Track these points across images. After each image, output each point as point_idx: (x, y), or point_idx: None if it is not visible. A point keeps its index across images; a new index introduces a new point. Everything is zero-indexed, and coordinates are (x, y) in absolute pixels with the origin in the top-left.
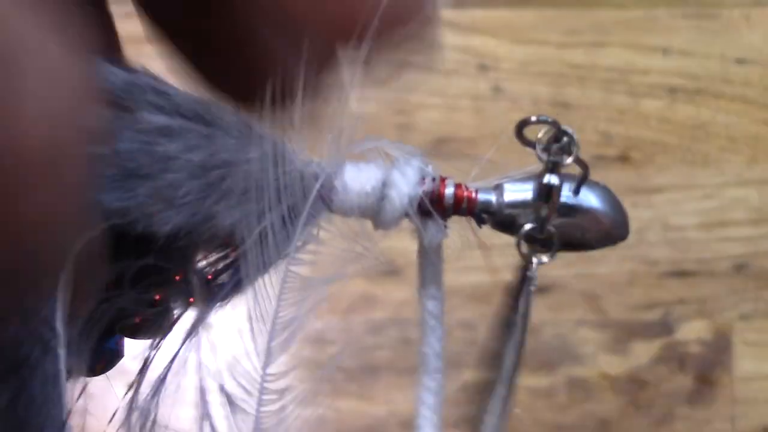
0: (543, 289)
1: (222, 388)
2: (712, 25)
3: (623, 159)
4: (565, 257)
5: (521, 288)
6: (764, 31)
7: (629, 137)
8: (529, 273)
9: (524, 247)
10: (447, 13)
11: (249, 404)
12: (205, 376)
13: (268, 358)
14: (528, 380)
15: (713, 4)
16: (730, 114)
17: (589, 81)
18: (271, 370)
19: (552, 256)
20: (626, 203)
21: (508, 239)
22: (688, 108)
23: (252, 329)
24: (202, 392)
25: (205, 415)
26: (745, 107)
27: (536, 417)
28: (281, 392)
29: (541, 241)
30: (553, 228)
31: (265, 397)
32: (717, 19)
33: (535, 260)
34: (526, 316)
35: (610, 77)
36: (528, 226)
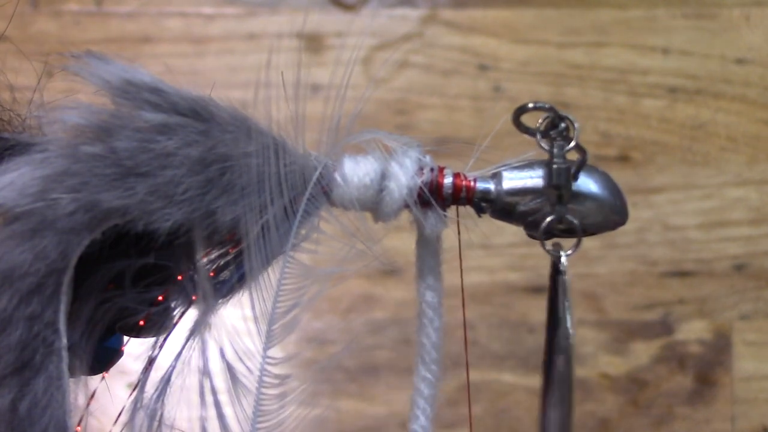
0: (543, 289)
1: (222, 354)
2: (712, 25)
3: (623, 159)
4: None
5: (555, 284)
6: (764, 31)
7: (629, 137)
8: (560, 267)
9: (547, 244)
10: (447, 13)
11: (250, 381)
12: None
13: (269, 341)
14: (528, 380)
15: (713, 3)
16: (730, 114)
17: (589, 81)
18: (271, 353)
19: (576, 246)
20: None
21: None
22: (688, 108)
23: (254, 312)
24: (204, 391)
25: (217, 415)
26: (745, 107)
27: (536, 417)
28: (282, 378)
29: (561, 232)
30: (573, 218)
31: (266, 378)
32: (717, 19)
33: (562, 254)
34: (563, 311)
35: (610, 77)
36: (547, 220)
